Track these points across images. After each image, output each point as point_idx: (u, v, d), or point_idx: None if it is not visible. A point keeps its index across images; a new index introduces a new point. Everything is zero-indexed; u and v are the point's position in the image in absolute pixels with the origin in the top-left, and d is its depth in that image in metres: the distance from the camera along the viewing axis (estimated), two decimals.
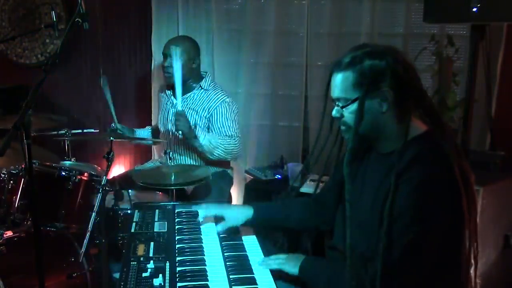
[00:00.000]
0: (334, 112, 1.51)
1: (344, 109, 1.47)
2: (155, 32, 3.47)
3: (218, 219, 1.84)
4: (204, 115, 2.84)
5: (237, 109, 2.90)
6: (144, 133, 3.23)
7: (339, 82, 1.46)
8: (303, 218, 1.84)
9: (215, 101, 2.84)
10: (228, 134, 2.81)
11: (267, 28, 3.27)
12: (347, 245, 1.41)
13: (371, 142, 1.54)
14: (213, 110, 2.82)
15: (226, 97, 2.87)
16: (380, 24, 3.03)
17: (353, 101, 1.44)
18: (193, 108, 2.86)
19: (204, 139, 2.69)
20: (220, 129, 2.82)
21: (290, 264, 1.58)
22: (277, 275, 1.56)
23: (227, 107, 2.83)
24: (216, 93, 2.88)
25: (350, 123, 1.46)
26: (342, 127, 1.52)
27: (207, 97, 2.87)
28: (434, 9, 2.30)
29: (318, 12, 3.15)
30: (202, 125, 2.83)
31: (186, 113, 2.75)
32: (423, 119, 1.48)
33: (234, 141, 2.79)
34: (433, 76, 2.82)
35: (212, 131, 2.82)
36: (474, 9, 2.14)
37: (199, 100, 2.88)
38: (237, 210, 1.86)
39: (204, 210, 1.88)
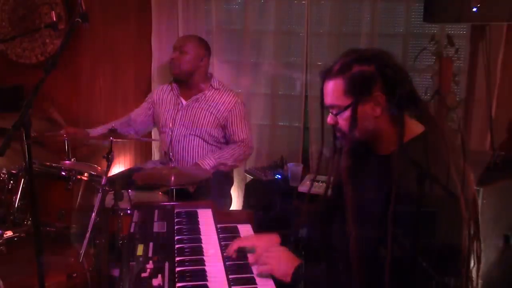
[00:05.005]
0: (328, 119, 1.52)
1: (338, 116, 1.48)
2: (155, 32, 3.47)
3: None
4: (218, 116, 2.86)
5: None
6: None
7: (331, 89, 1.47)
8: None
9: (229, 103, 2.87)
10: (240, 138, 2.88)
11: (267, 28, 3.27)
12: (351, 250, 1.40)
13: (369, 145, 1.54)
14: (228, 112, 2.86)
15: (237, 97, 2.92)
16: (380, 24, 3.04)
17: (345, 108, 1.45)
18: (206, 109, 2.87)
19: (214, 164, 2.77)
20: (234, 131, 2.88)
21: (281, 271, 1.52)
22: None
23: (241, 109, 2.89)
24: (228, 94, 2.91)
25: (345, 129, 1.47)
26: (338, 134, 1.52)
27: (220, 97, 2.89)
28: (434, 9, 2.30)
29: (318, 12, 3.15)
30: (215, 124, 2.85)
31: (198, 113, 2.85)
32: (419, 120, 1.48)
33: (239, 147, 2.86)
34: (433, 76, 2.82)
35: (225, 132, 2.90)
36: (474, 9, 2.14)
37: (212, 101, 2.89)
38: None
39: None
